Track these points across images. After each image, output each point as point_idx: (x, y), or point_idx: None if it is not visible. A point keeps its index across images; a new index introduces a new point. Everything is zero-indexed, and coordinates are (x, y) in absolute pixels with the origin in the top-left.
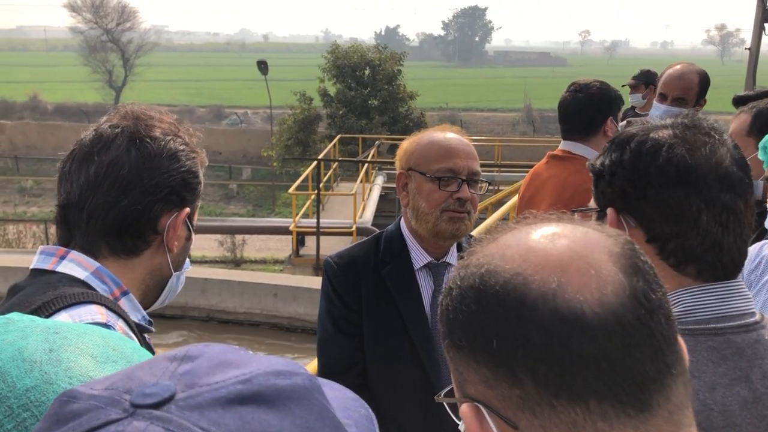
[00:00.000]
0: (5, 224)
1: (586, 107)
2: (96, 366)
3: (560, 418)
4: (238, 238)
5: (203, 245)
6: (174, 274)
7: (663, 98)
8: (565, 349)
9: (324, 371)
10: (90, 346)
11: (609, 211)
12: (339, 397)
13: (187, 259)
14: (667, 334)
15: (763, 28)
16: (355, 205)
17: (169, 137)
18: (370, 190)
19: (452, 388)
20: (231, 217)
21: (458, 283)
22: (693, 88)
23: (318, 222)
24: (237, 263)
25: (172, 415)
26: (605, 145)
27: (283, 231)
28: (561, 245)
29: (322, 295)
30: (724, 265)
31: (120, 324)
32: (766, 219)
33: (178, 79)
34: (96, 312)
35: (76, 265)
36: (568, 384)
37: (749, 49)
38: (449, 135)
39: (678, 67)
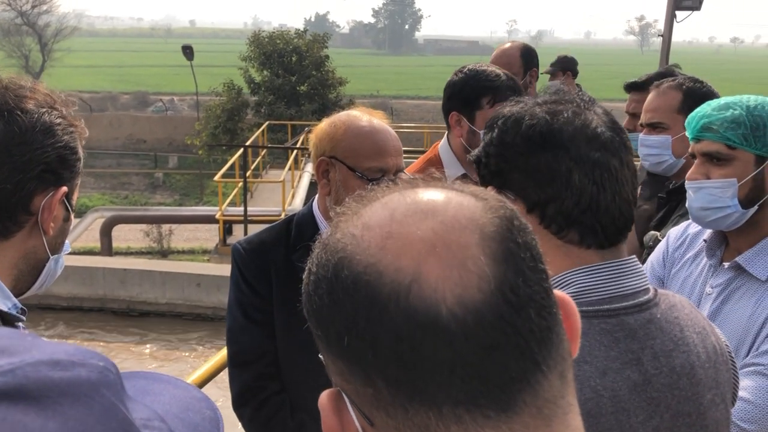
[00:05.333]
0: None
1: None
2: None
3: (413, 421)
4: (165, 228)
5: (128, 236)
6: (51, 257)
7: None
8: (417, 354)
9: (234, 361)
10: None
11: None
12: (182, 396)
13: (67, 241)
14: (538, 329)
15: (675, 16)
16: (284, 193)
17: (44, 110)
18: (300, 177)
19: None
20: (156, 207)
21: (315, 267)
22: (515, 62)
23: (245, 210)
24: (164, 254)
25: None
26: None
27: (209, 220)
28: (426, 227)
29: (231, 283)
30: (604, 227)
31: None
32: (686, 197)
33: (100, 65)
34: None
35: None
36: (420, 389)
37: (662, 35)
38: (377, 125)
39: (500, 47)
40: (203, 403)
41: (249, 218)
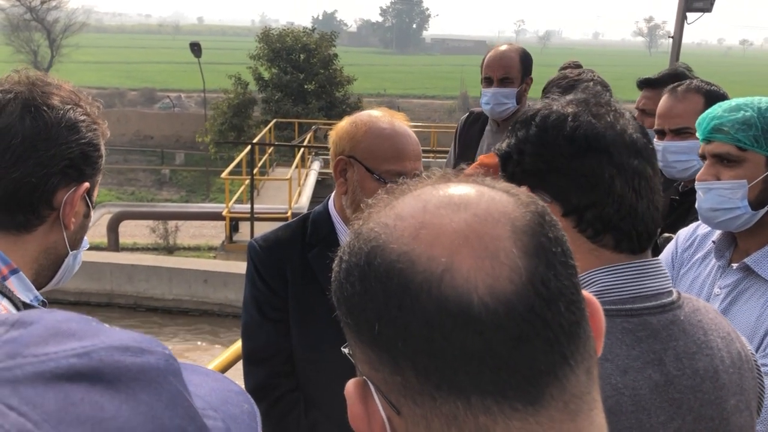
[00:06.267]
0: None
1: None
2: None
3: (441, 410)
4: (171, 224)
5: (134, 232)
6: (71, 253)
7: (489, 82)
8: (447, 343)
9: (249, 357)
10: None
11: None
12: (220, 389)
13: (85, 238)
14: (567, 323)
15: (685, 17)
16: (291, 191)
17: (69, 106)
18: (306, 175)
19: None
20: (163, 203)
21: (347, 255)
22: (515, 66)
23: (252, 207)
24: (170, 250)
25: None
26: (508, 129)
27: (216, 217)
28: (459, 219)
29: (247, 280)
30: (639, 234)
31: (4, 304)
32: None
33: (108, 61)
34: None
35: None
36: (449, 378)
37: (672, 37)
38: (398, 128)
39: (497, 49)
40: (241, 396)
41: (255, 216)
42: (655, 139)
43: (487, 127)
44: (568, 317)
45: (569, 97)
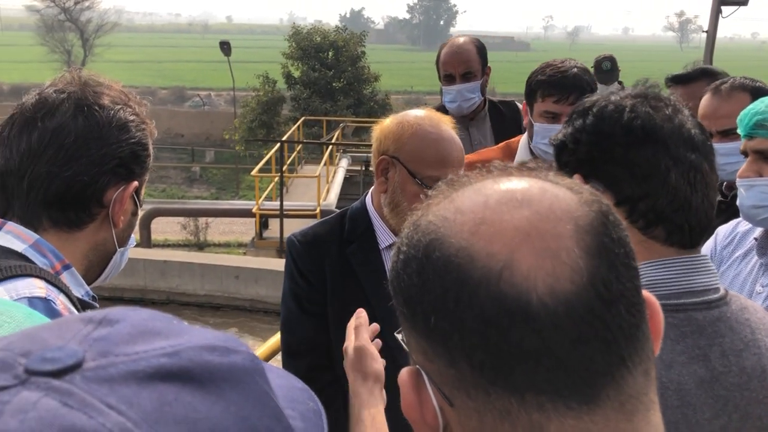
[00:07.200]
0: None
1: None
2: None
3: (494, 405)
4: (201, 221)
5: (165, 228)
6: (118, 250)
7: (451, 79)
8: (504, 340)
9: (288, 351)
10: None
11: (576, 179)
12: (286, 386)
13: (132, 235)
14: (627, 325)
15: (720, 11)
16: (319, 188)
17: (119, 106)
18: (335, 172)
19: None
20: (193, 200)
21: (405, 247)
22: (474, 59)
23: (281, 204)
24: (200, 247)
25: (74, 387)
26: (565, 119)
27: (246, 214)
28: (520, 216)
29: (286, 274)
30: (692, 228)
31: (61, 299)
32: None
33: (139, 60)
34: (34, 285)
35: (14, 237)
36: (504, 374)
37: (706, 31)
38: (444, 133)
39: (453, 43)
40: (305, 393)
41: (285, 212)
42: None
43: None
44: (628, 320)
45: (627, 91)
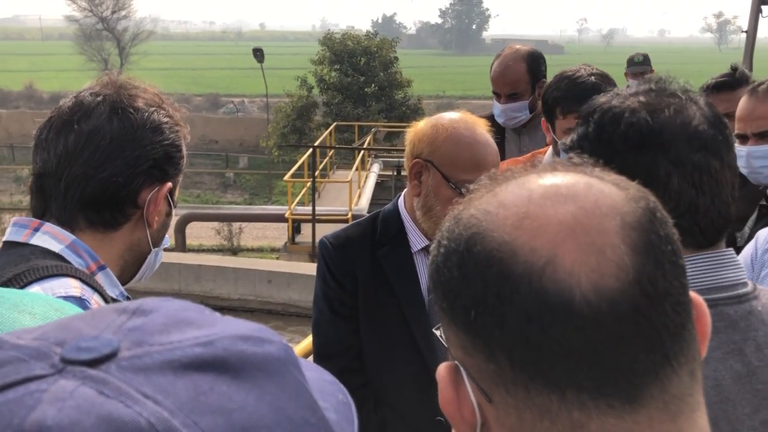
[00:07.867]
0: (1, 213)
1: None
2: (34, 322)
3: (534, 402)
4: (235, 226)
5: (200, 233)
6: (153, 250)
7: (497, 96)
8: (546, 336)
9: (319, 353)
10: (29, 304)
11: None
12: (316, 378)
13: (167, 236)
14: (673, 324)
15: (761, 11)
16: (351, 193)
17: (153, 108)
18: (366, 177)
19: None
20: (227, 206)
21: (446, 240)
22: (522, 79)
23: (313, 209)
24: (234, 251)
25: (110, 376)
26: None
27: (279, 219)
28: (565, 211)
29: (318, 277)
30: (703, 230)
31: (96, 298)
32: None
33: (174, 68)
34: (70, 285)
35: (51, 238)
36: (545, 371)
37: (746, 32)
38: (479, 137)
39: (502, 59)
40: (335, 386)
41: (317, 217)
42: (737, 144)
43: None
44: (673, 318)
45: (637, 89)
